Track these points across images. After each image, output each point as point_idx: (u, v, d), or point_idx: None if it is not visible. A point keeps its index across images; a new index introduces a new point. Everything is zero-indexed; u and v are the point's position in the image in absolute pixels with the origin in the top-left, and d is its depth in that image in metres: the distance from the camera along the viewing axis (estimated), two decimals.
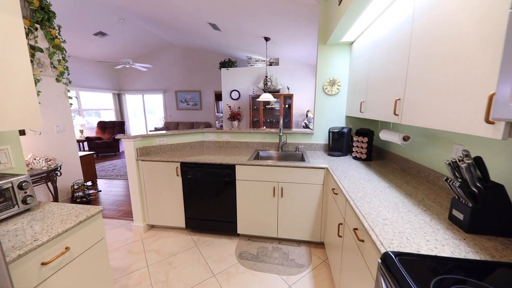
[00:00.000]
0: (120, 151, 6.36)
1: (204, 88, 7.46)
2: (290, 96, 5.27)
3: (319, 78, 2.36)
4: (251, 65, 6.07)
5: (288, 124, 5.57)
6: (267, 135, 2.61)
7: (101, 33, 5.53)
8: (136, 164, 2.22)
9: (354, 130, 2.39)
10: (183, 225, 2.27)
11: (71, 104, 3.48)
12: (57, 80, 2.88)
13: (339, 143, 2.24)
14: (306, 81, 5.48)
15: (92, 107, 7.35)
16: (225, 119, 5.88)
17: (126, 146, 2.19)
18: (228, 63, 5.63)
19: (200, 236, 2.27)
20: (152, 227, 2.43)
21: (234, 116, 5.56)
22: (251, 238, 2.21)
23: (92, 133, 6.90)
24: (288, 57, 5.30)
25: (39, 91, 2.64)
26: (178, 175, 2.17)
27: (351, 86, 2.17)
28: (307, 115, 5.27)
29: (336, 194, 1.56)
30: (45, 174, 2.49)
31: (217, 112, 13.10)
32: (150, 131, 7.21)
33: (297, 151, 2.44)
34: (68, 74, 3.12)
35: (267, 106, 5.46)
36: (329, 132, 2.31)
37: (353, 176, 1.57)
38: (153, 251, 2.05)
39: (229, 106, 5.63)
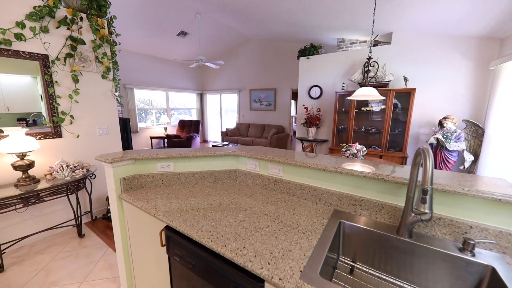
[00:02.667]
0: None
1: (280, 86, 6.35)
2: (409, 93, 3.21)
3: None
4: (342, 50, 4.35)
5: (398, 140, 3.50)
6: (372, 183, 1.08)
7: (183, 33, 5.51)
8: (118, 203, 1.35)
9: None
10: None
11: (121, 104, 3.23)
12: (103, 77, 2.55)
13: None
14: (444, 66, 3.20)
15: (177, 107, 7.93)
16: (299, 124, 4.51)
17: (107, 173, 1.35)
18: (309, 50, 4.20)
19: None
20: None
21: (311, 121, 4.09)
22: None
23: (174, 131, 7.37)
24: (412, 27, 3.23)
25: (77, 89, 2.33)
26: (163, 245, 1.10)
27: None
28: (441, 125, 3.04)
29: None
30: (67, 186, 2.13)
31: (295, 113, 11.81)
32: (221, 131, 6.91)
33: (466, 253, 0.79)
34: (117, 70, 2.80)
35: (362, 109, 3.63)
36: None
37: None
38: None
39: (306, 108, 4.21)
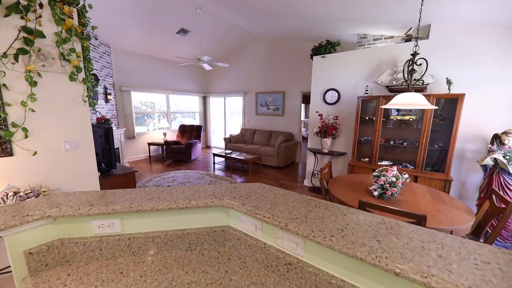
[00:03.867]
0: (192, 158, 5.83)
1: (289, 89, 5.75)
2: (454, 99, 2.54)
3: None
4: (363, 48, 3.72)
5: (438, 157, 2.83)
6: None
7: (183, 31, 5.02)
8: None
9: None
10: None
11: (96, 112, 2.72)
12: (71, 79, 2.04)
13: None
14: (499, 65, 2.52)
15: (180, 110, 7.46)
16: (311, 134, 3.89)
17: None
18: (325, 47, 3.58)
19: None
20: None
21: (327, 131, 3.47)
22: None
23: (174, 136, 6.89)
24: (457, 16, 2.57)
25: (33, 95, 1.83)
26: None
27: None
28: (499, 142, 2.35)
29: None
30: None
31: (305, 117, 11.10)
32: (224, 138, 6.37)
33: None
34: (90, 70, 2.29)
35: (392, 118, 2.98)
36: None
37: None
38: None
39: (320, 115, 3.59)
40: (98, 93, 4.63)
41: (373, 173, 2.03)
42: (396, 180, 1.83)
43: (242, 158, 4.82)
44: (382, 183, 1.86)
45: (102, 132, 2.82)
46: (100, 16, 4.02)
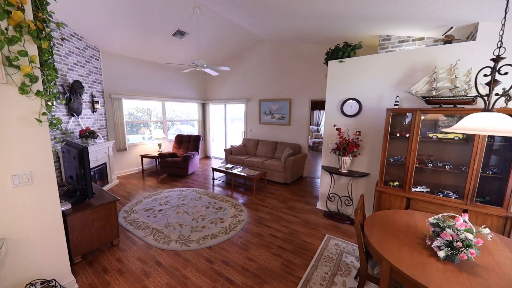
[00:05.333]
0: (190, 171, 5.28)
1: (297, 96, 5.25)
2: None
3: None
4: (387, 51, 3.22)
5: (493, 186, 2.29)
6: None
7: (180, 33, 4.53)
8: None
9: None
10: None
11: (59, 130, 2.21)
12: (22, 91, 1.51)
13: None
14: None
15: (177, 117, 6.94)
16: (326, 150, 3.35)
17: None
18: (343, 50, 3.08)
19: None
20: None
21: (347, 148, 2.94)
22: None
23: (171, 147, 6.35)
24: None
25: None
26: None
27: None
28: None
29: None
30: None
31: (314, 124, 10.51)
32: (225, 149, 5.83)
33: None
34: (52, 79, 1.76)
35: (431, 136, 2.45)
36: None
37: None
38: None
39: (338, 129, 3.06)
40: (84, 101, 4.11)
41: (431, 220, 1.49)
42: (473, 236, 1.28)
43: (245, 174, 4.28)
44: (450, 239, 1.32)
45: (76, 153, 2.28)
46: (87, 16, 3.53)
